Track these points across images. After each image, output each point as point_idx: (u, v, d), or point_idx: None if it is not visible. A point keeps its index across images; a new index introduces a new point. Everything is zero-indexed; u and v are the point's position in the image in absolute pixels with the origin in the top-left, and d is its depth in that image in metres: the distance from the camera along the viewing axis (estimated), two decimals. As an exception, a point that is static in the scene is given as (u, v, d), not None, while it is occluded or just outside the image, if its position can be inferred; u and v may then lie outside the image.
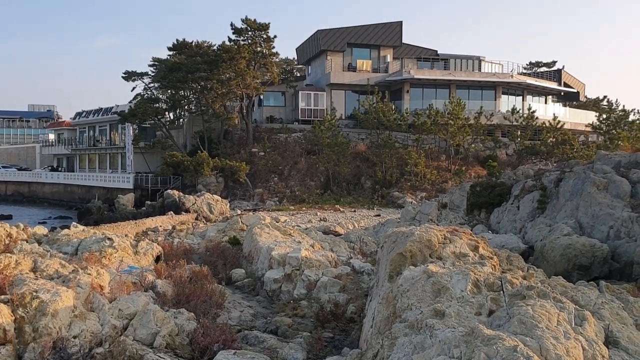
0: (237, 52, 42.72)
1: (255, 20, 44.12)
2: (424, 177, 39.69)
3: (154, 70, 51.16)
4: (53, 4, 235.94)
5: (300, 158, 42.44)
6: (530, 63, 71.45)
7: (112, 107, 56.33)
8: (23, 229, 14.78)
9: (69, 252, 12.50)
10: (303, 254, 12.26)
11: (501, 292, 6.37)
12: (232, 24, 44.30)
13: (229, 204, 34.43)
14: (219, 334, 8.11)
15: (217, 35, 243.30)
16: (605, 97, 68.78)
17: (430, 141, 43.64)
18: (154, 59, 51.66)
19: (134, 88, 52.52)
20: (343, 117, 48.07)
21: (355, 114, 46.02)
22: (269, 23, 44.39)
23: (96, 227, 18.80)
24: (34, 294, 7.53)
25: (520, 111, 45.48)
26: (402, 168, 40.12)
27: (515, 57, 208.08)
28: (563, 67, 59.55)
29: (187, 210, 31.60)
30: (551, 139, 42.94)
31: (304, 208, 35.57)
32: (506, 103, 49.12)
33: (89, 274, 8.89)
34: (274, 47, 45.90)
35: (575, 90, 59.04)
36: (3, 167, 72.23)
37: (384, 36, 50.40)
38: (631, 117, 49.05)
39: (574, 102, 61.47)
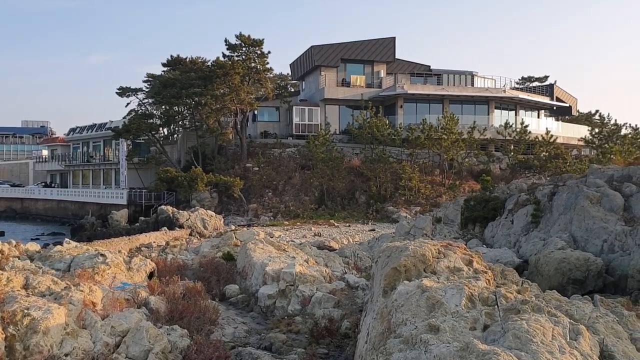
0: (231, 68, 42.92)
1: (249, 36, 44.45)
2: (418, 191, 39.76)
3: (148, 86, 51.28)
4: (46, 21, 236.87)
5: (295, 173, 42.45)
6: (523, 78, 72.13)
7: (106, 123, 56.32)
8: (15, 246, 14.66)
9: (61, 268, 12.39)
10: (297, 269, 12.21)
11: (496, 306, 6.35)
12: (226, 40, 44.66)
13: (223, 220, 34.33)
14: (212, 351, 8.03)
15: (211, 51, 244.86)
16: (597, 111, 69.56)
17: (424, 156, 43.81)
18: (148, 75, 51.81)
19: (128, 104, 52.57)
20: (337, 132, 48.23)
21: (349, 129, 46.21)
22: (262, 39, 44.75)
23: (89, 244, 18.68)
24: (25, 311, 7.44)
25: (513, 126, 45.81)
26: (397, 183, 40.19)
27: (508, 72, 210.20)
28: (555, 82, 60.17)
29: (181, 226, 31.48)
30: (544, 153, 43.19)
31: (298, 223, 35.51)
32: (499, 118, 49.47)
33: (82, 291, 8.81)
34: (268, 63, 46.29)
35: (567, 105, 59.54)
36: (-4, 183, 71.88)
37: (378, 52, 50.79)
38: (623, 131, 49.56)
39: (567, 117, 61.98)
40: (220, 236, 24.99)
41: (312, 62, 50.48)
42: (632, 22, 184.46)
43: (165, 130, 52.55)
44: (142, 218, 38.39)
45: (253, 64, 45.48)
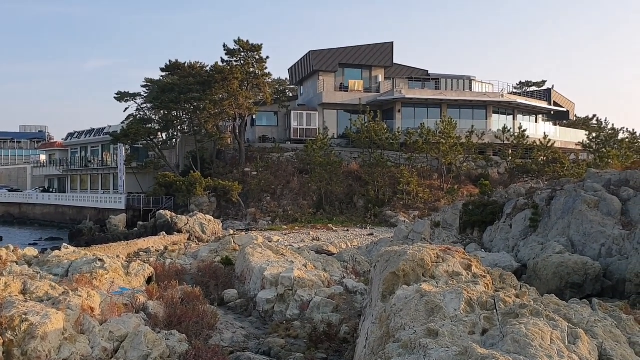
0: (229, 73, 42.97)
1: (247, 41, 44.52)
2: (417, 195, 39.77)
3: (146, 91, 51.30)
4: (45, 26, 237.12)
5: (293, 177, 42.45)
6: (520, 83, 72.22)
7: (105, 128, 56.28)
8: (13, 251, 14.65)
9: (59, 273, 12.38)
10: (296, 274, 12.20)
11: (494, 310, 6.36)
12: (224, 45, 44.75)
13: (221, 224, 34.30)
14: (211, 356, 8.02)
15: (210, 56, 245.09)
16: (594, 116, 69.77)
17: (423, 160, 43.84)
18: (147, 80, 51.87)
19: (126, 109, 52.78)
20: (335, 137, 48.27)
21: (348, 134, 46.27)
22: (261, 44, 44.86)
23: (87, 248, 18.66)
24: (23, 316, 7.43)
25: (511, 130, 45.89)
26: (395, 187, 40.20)
27: (506, 77, 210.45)
28: (552, 86, 60.23)
29: (180, 231, 31.45)
30: (542, 157, 43.24)
31: (296, 227, 35.49)
32: (497, 122, 49.55)
33: (80, 296, 8.80)
34: (266, 68, 46.33)
35: (565, 109, 59.65)
36: (-6, 188, 71.74)
37: (376, 57, 50.90)
38: (620, 136, 49.62)
39: (564, 121, 62.06)
40: (218, 241, 24.96)
41: (310, 67, 50.58)
42: (630, 25, 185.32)
43: (163, 135, 52.51)
44: (141, 223, 38.35)
45: (252, 69, 45.54)
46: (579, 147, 50.14)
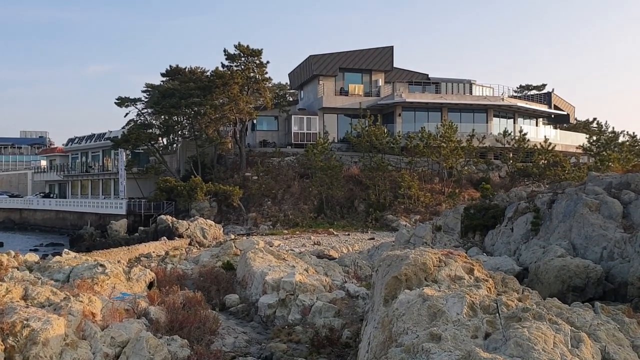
0: (230, 78, 43.04)
1: (248, 46, 44.63)
2: (418, 199, 39.74)
3: (147, 96, 51.45)
4: (45, 31, 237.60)
5: (294, 182, 42.46)
6: (521, 86, 72.30)
7: (105, 133, 56.36)
8: (14, 257, 14.65)
9: (60, 279, 12.38)
10: (297, 278, 12.18)
11: (497, 314, 6.34)
12: (225, 50, 44.82)
13: (222, 229, 34.28)
14: (213, 361, 8.00)
15: (211, 61, 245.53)
16: (595, 119, 69.75)
17: (423, 164, 43.85)
18: (147, 85, 52.07)
19: (127, 114, 52.66)
20: (336, 141, 48.29)
21: (348, 138, 46.26)
22: (261, 49, 44.98)
23: (88, 254, 18.65)
24: (25, 322, 7.42)
25: (512, 134, 45.91)
26: (396, 191, 40.17)
27: (506, 81, 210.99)
28: (553, 90, 60.30)
29: (181, 236, 31.43)
30: (543, 160, 43.24)
31: (297, 232, 35.46)
32: (498, 126, 49.55)
33: (81, 301, 8.79)
34: (266, 73, 46.40)
35: (565, 113, 59.69)
36: (-6, 194, 71.74)
37: (376, 61, 50.97)
38: (621, 139, 49.68)
39: (565, 125, 62.11)
40: (219, 245, 24.96)
41: (310, 71, 50.65)
42: (630, 29, 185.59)
43: (164, 140, 52.60)
44: (142, 228, 38.33)
45: (252, 74, 45.62)
46: (579, 151, 50.17)
